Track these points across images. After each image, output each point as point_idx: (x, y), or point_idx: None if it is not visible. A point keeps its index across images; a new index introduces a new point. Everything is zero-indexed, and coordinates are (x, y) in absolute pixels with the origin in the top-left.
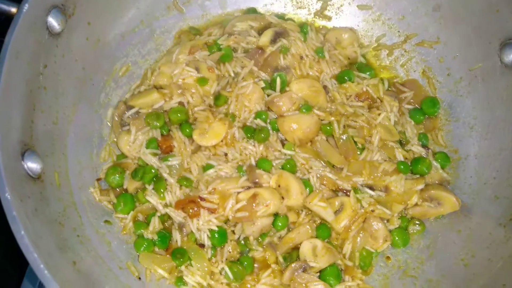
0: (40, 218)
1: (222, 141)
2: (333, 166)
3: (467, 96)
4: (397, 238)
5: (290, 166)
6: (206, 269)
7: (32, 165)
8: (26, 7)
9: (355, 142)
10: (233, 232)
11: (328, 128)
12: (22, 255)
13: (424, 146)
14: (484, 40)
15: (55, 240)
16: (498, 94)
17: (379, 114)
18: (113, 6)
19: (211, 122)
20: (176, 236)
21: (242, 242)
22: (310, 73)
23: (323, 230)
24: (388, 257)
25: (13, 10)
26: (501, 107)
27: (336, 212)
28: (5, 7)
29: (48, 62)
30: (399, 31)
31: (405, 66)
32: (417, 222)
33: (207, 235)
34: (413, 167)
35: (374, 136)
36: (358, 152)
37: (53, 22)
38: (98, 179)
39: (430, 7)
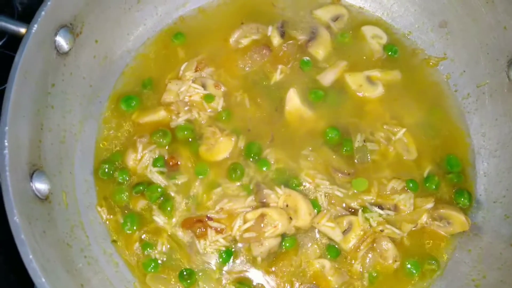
0: (48, 240)
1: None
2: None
3: (475, 113)
4: None
5: (296, 181)
6: None
7: (41, 186)
8: (35, 27)
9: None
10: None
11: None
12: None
13: None
14: (491, 56)
15: (62, 262)
16: (506, 111)
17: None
18: (120, 24)
19: (217, 138)
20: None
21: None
22: None
23: (331, 250)
24: None
25: (22, 30)
26: (509, 124)
27: (344, 232)
28: (14, 27)
29: (56, 81)
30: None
31: None
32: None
33: (215, 255)
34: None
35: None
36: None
37: (62, 41)
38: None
39: (436, 23)
